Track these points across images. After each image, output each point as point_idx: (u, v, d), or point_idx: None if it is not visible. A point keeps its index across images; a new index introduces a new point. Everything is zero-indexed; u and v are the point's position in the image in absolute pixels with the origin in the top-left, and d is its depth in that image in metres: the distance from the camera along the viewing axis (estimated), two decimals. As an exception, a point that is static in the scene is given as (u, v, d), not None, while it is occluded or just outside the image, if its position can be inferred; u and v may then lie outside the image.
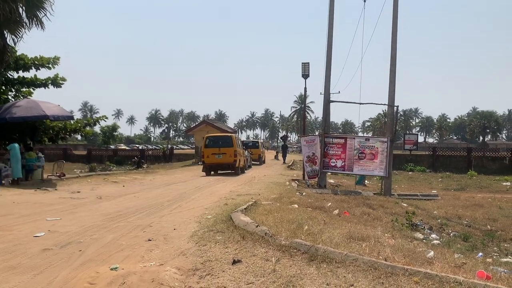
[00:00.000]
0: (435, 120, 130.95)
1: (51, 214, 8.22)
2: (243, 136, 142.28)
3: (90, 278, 4.30)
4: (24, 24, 14.19)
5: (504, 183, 24.05)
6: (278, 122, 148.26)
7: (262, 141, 52.11)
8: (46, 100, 15.97)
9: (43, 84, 18.68)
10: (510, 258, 7.63)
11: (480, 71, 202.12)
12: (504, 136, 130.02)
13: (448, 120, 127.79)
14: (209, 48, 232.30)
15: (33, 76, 18.46)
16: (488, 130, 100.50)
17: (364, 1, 18.06)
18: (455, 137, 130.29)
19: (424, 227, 9.99)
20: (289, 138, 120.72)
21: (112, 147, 51.35)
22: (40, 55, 18.44)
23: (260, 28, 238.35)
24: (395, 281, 3.95)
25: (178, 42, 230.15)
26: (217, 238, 5.77)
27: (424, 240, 8.12)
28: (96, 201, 10.40)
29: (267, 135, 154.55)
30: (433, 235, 9.21)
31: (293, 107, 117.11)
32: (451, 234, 9.89)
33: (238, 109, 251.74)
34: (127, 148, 68.56)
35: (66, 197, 11.23)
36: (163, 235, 6.20)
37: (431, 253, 5.62)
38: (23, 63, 18.01)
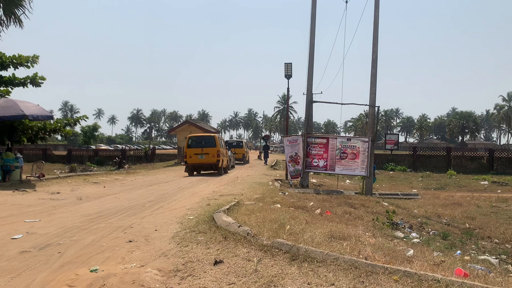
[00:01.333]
0: (415, 120, 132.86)
1: (29, 216, 8.07)
2: (226, 136, 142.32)
3: (69, 281, 4.24)
4: (2, 22, 13.92)
5: (482, 182, 24.59)
6: (261, 122, 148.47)
7: (246, 141, 51.91)
8: (25, 100, 15.67)
9: (22, 83, 18.30)
10: (487, 255, 7.80)
11: (460, 72, 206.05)
12: (482, 136, 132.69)
13: (428, 120, 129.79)
14: (192, 48, 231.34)
15: (11, 75, 18.08)
16: (467, 130, 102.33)
17: (346, 2, 18.23)
18: (435, 137, 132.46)
19: (405, 226, 10.14)
20: (272, 138, 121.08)
21: (93, 147, 50.75)
22: (18, 54, 18.07)
23: (243, 28, 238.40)
24: (375, 279, 4.00)
25: (160, 42, 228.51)
26: (199, 238, 5.75)
27: (404, 239, 8.23)
28: (76, 202, 10.25)
29: (251, 135, 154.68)
30: (413, 234, 9.35)
31: (276, 107, 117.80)
32: (431, 233, 10.06)
33: (222, 109, 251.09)
34: (110, 148, 67.70)
35: (45, 198, 11.03)
36: (144, 236, 6.15)
37: (411, 252, 5.70)
38: (1, 62, 17.61)
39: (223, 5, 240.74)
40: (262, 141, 42.80)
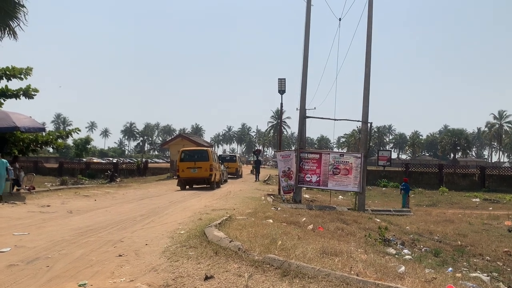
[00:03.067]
0: (408, 137, 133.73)
1: (18, 229, 7.96)
2: (219, 151, 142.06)
3: (57, 295, 4.17)
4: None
5: (474, 199, 24.72)
6: (254, 136, 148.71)
7: (239, 155, 51.64)
8: (17, 111, 15.61)
9: (15, 95, 18.21)
10: (479, 273, 7.80)
11: (452, 90, 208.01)
12: (473, 154, 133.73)
13: (420, 137, 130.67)
14: (186, 61, 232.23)
15: (3, 87, 17.99)
16: (458, 148, 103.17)
17: (340, 19, 18.51)
18: (427, 154, 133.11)
19: (397, 243, 10.13)
20: (265, 153, 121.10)
21: (85, 160, 50.44)
22: (12, 65, 18.02)
23: (237, 42, 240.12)
24: (366, 296, 3.98)
25: (154, 55, 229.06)
26: (189, 253, 5.70)
27: (396, 256, 8.22)
28: (66, 216, 10.14)
29: (244, 149, 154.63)
30: (405, 250, 9.34)
31: (269, 122, 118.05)
32: (423, 250, 10.06)
33: (215, 123, 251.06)
34: (102, 161, 67.23)
35: (35, 211, 10.90)
36: (134, 251, 6.09)
37: (402, 268, 5.69)
38: (-6, 73, 17.54)
39: (216, 19, 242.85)
40: (253, 156, 42.18)
